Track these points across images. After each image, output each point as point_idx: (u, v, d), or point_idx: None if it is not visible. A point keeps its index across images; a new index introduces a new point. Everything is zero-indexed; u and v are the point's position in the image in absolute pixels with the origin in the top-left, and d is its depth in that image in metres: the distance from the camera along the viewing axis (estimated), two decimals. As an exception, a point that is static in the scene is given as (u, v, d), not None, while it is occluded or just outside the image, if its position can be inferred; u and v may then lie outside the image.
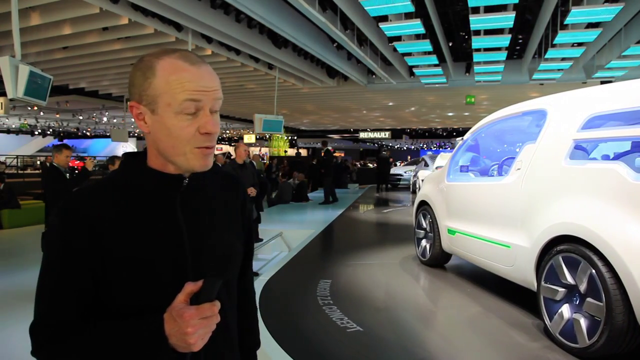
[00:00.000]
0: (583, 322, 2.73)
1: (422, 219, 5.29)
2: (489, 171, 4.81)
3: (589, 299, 2.70)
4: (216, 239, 0.98)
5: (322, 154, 12.59)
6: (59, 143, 5.78)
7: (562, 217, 2.99)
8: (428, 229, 5.14)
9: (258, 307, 3.87)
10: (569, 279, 2.87)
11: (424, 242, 5.25)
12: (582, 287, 2.76)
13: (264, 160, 17.12)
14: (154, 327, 0.81)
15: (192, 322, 0.78)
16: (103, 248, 0.86)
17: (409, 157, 27.41)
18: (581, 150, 3.20)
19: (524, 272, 3.34)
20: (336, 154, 13.26)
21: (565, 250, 2.91)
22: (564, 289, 2.93)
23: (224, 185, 1.07)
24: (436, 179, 5.23)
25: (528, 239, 3.29)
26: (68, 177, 4.95)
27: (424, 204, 5.31)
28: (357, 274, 4.87)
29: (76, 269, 0.86)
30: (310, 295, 4.12)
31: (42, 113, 22.00)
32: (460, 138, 4.94)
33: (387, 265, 5.29)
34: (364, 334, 3.23)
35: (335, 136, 36.31)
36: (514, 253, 3.45)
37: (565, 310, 2.90)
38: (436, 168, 9.18)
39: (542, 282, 3.08)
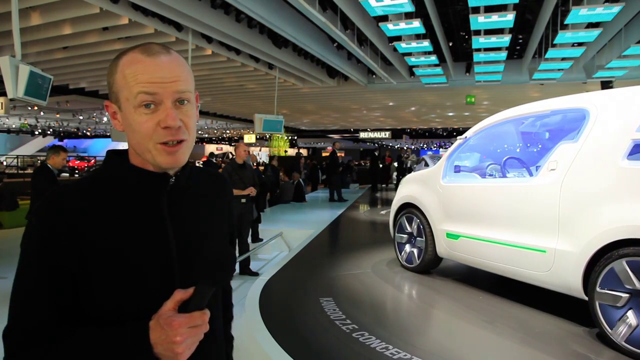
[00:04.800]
0: None
1: (406, 223, 4.98)
2: (486, 172, 4.56)
3: None
4: (206, 243, 0.93)
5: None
6: (56, 144, 5.76)
7: (625, 220, 2.83)
8: (415, 233, 4.84)
9: (259, 308, 3.86)
10: (637, 284, 2.76)
11: (408, 248, 4.97)
12: None
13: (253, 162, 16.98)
14: (139, 334, 0.77)
15: (181, 331, 0.76)
16: (84, 249, 0.81)
17: None
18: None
19: (565, 278, 3.19)
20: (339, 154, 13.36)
21: (632, 254, 2.77)
22: (627, 295, 2.80)
23: (211, 185, 1.03)
24: (425, 179, 4.88)
25: (573, 243, 3.14)
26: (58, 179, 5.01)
27: (407, 207, 5.01)
28: (365, 284, 4.60)
29: (55, 271, 0.80)
30: (317, 311, 3.81)
31: (42, 113, 22.01)
32: (460, 137, 4.66)
33: (384, 272, 5.19)
34: None
35: (336, 136, 36.29)
36: (551, 258, 3.29)
37: (632, 317, 2.78)
38: None
39: (598, 289, 2.93)
